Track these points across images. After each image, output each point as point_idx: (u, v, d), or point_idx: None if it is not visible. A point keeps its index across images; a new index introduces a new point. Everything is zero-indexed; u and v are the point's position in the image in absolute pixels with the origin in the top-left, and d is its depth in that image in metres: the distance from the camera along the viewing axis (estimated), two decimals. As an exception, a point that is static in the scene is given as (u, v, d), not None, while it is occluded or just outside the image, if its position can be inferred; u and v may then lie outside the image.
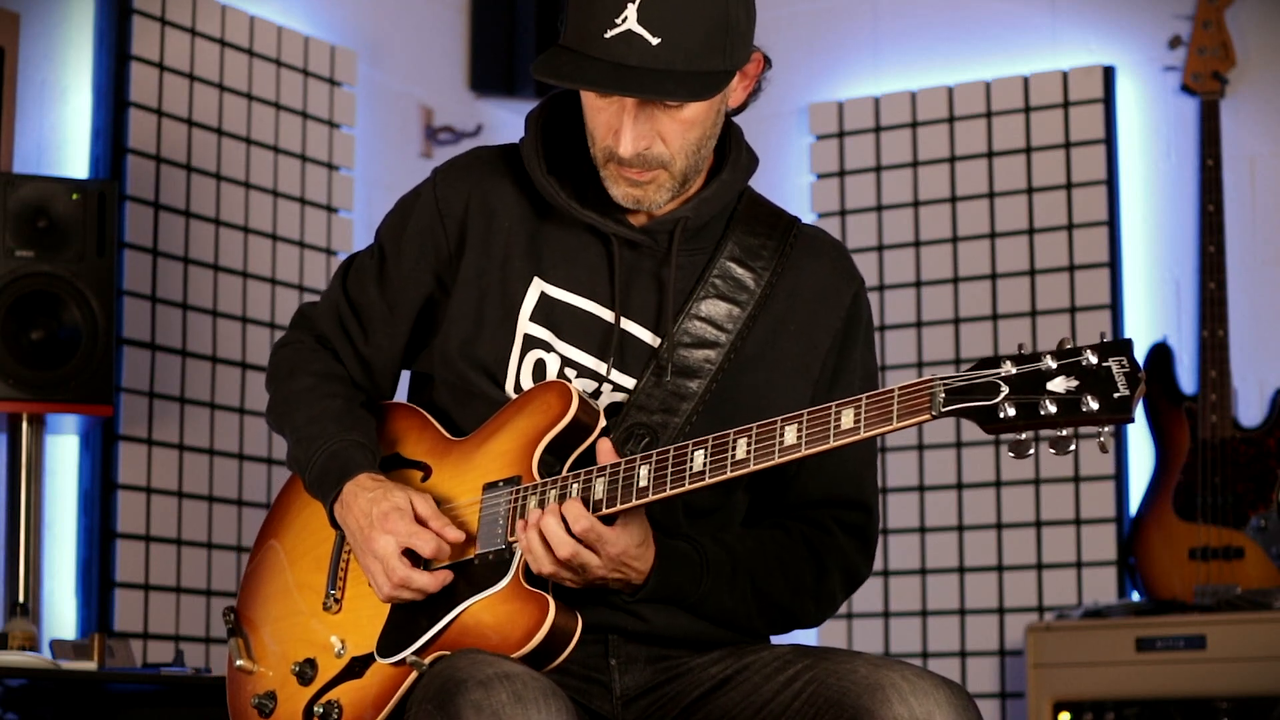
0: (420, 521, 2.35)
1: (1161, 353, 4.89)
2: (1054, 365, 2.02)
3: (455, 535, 2.35)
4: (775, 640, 2.49)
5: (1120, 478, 4.97)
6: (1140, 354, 4.90)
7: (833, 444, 2.14)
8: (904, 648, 5.13)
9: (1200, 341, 4.84)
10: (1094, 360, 2.01)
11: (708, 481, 2.21)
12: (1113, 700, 4.49)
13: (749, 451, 2.19)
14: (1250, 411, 4.85)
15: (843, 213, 5.38)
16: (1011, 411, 2.03)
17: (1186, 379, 4.88)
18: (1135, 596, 4.87)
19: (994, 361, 2.06)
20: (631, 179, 2.35)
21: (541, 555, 2.26)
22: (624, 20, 2.26)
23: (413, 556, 2.35)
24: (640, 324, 2.43)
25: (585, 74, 2.27)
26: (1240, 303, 4.91)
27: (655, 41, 2.26)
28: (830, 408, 2.15)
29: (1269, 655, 4.38)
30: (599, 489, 2.26)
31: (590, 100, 2.35)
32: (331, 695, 2.40)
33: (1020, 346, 2.06)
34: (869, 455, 2.52)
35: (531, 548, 2.26)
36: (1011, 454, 2.05)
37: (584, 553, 2.25)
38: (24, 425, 4.03)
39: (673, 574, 2.33)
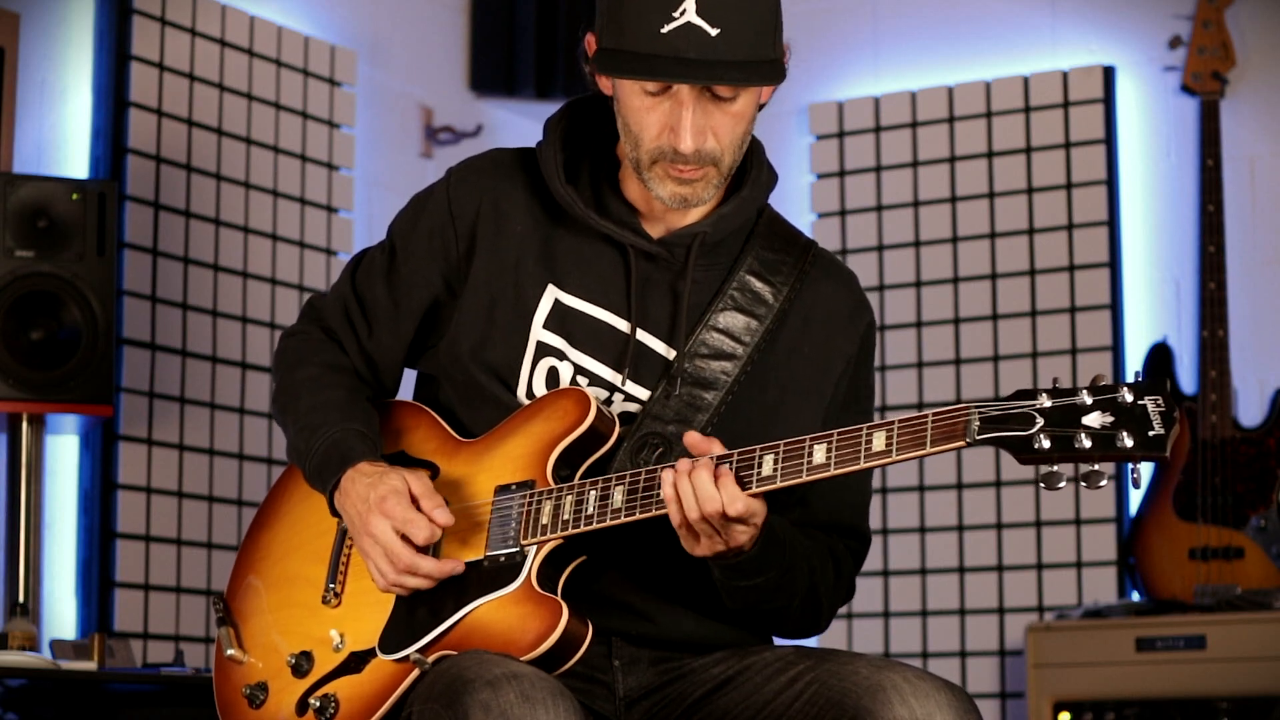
0: (414, 500, 2.35)
1: (1161, 353, 4.89)
2: (1090, 400, 2.05)
3: (445, 518, 2.34)
4: (777, 642, 2.49)
5: (1120, 478, 4.96)
6: (1140, 355, 4.92)
7: (863, 465, 2.15)
8: (904, 648, 5.13)
9: (1200, 341, 4.84)
10: (1130, 398, 2.04)
11: None
12: (1113, 700, 4.49)
13: (776, 468, 2.20)
14: (1250, 411, 4.85)
15: (843, 213, 5.38)
16: (1046, 443, 2.05)
17: (1186, 379, 4.88)
18: (1135, 596, 4.87)
19: (1030, 393, 2.08)
20: (682, 177, 2.34)
21: (692, 505, 2.21)
22: (682, 13, 2.26)
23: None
24: (655, 335, 2.43)
25: (654, 68, 2.27)
26: (1240, 303, 4.91)
27: (714, 32, 2.26)
28: (861, 429, 2.16)
29: (1269, 655, 4.38)
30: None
31: (637, 100, 2.33)
32: (328, 689, 2.40)
33: (1055, 380, 2.09)
34: (869, 488, 2.54)
35: (682, 497, 2.22)
36: (1043, 485, 2.07)
37: (731, 523, 2.23)
38: (24, 425, 4.02)
39: (770, 545, 2.30)
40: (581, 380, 2.41)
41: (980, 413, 2.09)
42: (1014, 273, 5.15)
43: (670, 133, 2.31)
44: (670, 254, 2.43)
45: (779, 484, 2.20)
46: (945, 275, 5.22)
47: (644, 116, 2.33)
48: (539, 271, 2.44)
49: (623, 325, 2.43)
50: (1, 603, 4.07)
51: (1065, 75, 5.15)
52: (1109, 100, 5.10)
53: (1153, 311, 5.04)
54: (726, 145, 2.34)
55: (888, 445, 2.14)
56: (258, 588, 2.56)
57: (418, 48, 5.47)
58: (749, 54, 2.27)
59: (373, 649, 2.38)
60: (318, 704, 2.39)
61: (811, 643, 2.52)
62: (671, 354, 2.42)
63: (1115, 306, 5.03)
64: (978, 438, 2.08)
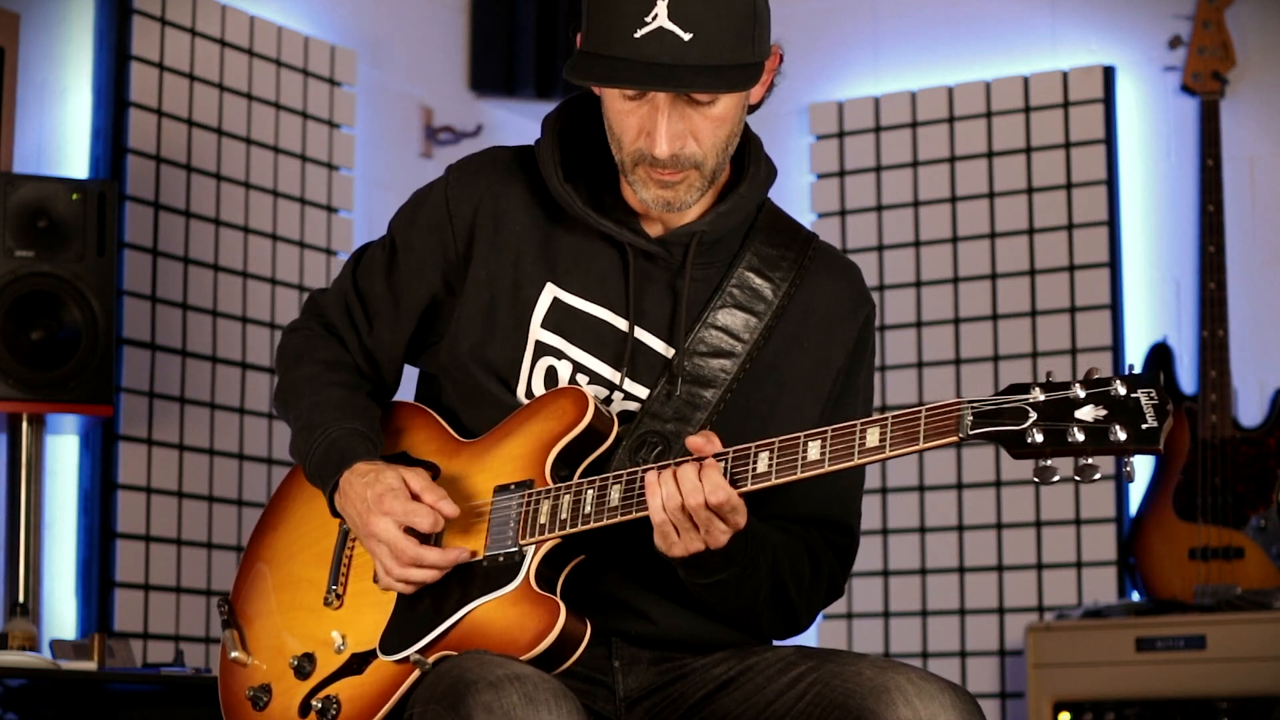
0: (415, 497, 2.35)
1: (1161, 353, 4.90)
2: (1083, 394, 2.04)
3: (450, 509, 2.34)
4: (778, 643, 2.49)
5: (1119, 478, 4.96)
6: (1140, 355, 4.92)
7: (857, 461, 2.15)
8: (904, 648, 5.13)
9: (1200, 341, 4.84)
10: (1123, 391, 2.03)
11: None
12: (1113, 700, 4.49)
13: (771, 465, 2.20)
14: (1250, 411, 4.85)
15: (843, 213, 5.38)
16: (1040, 437, 2.05)
17: (1186, 379, 4.88)
18: (1135, 596, 4.87)
19: (1023, 387, 2.07)
20: (663, 180, 2.33)
21: (673, 493, 2.21)
22: (654, 18, 2.24)
23: (417, 535, 2.35)
24: (654, 334, 2.42)
25: (620, 74, 2.26)
26: (1240, 303, 4.91)
27: (687, 37, 2.24)
28: (855, 425, 2.16)
29: (1269, 655, 4.38)
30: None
31: (617, 104, 2.33)
32: (330, 690, 2.40)
33: (1049, 374, 2.08)
34: (859, 479, 2.52)
35: (663, 485, 2.22)
36: (1036, 479, 2.06)
37: (713, 517, 2.23)
38: (24, 425, 4.03)
39: (734, 539, 2.29)
40: (581, 379, 2.41)
41: (974, 408, 2.08)
42: (1014, 273, 5.15)
43: (647, 137, 2.31)
44: (669, 252, 2.42)
45: (774, 481, 2.19)
46: (945, 275, 5.22)
47: (624, 120, 2.32)
48: (537, 270, 2.44)
49: (621, 324, 2.43)
50: (1, 603, 4.07)
51: (1065, 75, 5.15)
52: (1109, 100, 5.10)
53: (1153, 311, 5.04)
54: (708, 149, 2.33)
55: (881, 441, 2.13)
56: (262, 590, 2.56)
57: (418, 48, 5.47)
58: (724, 58, 2.26)
59: (374, 650, 2.38)
60: (320, 705, 2.39)
61: (813, 643, 2.51)
62: (670, 352, 2.42)
63: (1115, 306, 5.04)
64: (971, 433, 2.07)
